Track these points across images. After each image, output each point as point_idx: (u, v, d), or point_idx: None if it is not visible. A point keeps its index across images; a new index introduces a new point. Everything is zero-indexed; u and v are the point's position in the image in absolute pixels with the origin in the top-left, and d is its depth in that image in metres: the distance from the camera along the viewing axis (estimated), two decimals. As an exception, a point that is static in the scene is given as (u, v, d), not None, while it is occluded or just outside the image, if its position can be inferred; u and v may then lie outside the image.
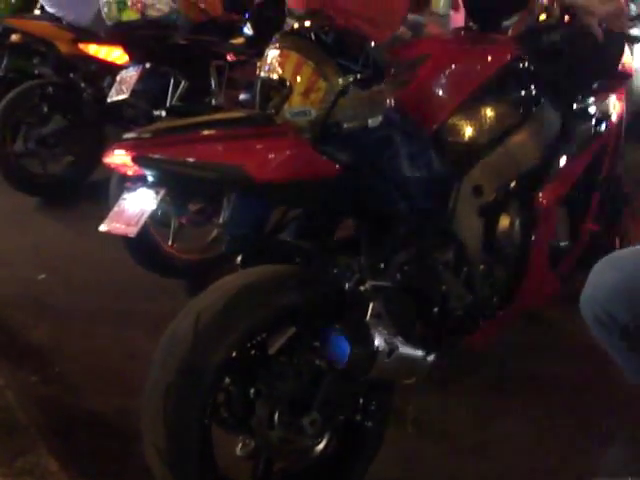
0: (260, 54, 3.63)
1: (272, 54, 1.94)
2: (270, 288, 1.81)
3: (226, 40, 3.98)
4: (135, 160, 1.65)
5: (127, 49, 3.60)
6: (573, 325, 2.87)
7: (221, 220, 3.41)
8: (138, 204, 1.78)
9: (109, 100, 3.60)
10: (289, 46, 1.91)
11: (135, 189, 1.80)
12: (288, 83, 1.88)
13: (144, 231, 3.16)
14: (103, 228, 1.89)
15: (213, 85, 3.63)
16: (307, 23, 2.07)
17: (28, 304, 3.39)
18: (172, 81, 3.58)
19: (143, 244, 3.24)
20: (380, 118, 1.93)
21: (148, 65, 3.46)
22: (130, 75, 3.48)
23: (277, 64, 1.91)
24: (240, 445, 1.96)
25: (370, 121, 1.91)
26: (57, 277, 3.64)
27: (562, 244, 2.49)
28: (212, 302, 1.75)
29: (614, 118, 2.61)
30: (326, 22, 2.21)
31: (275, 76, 1.91)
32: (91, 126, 4.54)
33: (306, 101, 1.86)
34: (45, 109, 4.40)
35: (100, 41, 3.94)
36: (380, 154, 1.93)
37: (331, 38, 1.89)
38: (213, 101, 3.63)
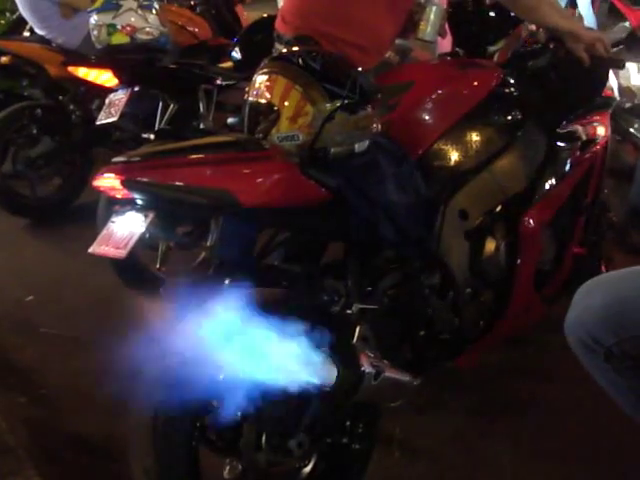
0: (248, 78, 3.68)
1: (260, 79, 1.96)
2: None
3: (215, 64, 4.02)
4: (124, 183, 1.67)
5: (116, 72, 3.61)
6: (557, 347, 2.90)
7: (208, 243, 3.43)
8: (127, 227, 1.79)
9: (98, 123, 3.61)
10: (277, 71, 1.92)
11: (124, 212, 1.81)
12: (276, 108, 1.89)
13: (132, 254, 3.18)
14: (92, 250, 1.90)
15: (202, 109, 3.65)
16: (295, 48, 2.10)
17: (16, 326, 3.39)
18: (160, 104, 3.60)
19: (131, 267, 3.24)
20: (367, 143, 1.96)
21: (137, 88, 3.48)
22: (119, 98, 3.49)
23: (265, 88, 1.93)
24: (227, 468, 1.96)
25: (357, 146, 1.94)
26: (45, 299, 3.63)
27: (547, 267, 2.50)
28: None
29: (599, 142, 2.63)
30: (314, 48, 2.25)
31: (263, 100, 1.93)
32: (79, 148, 4.53)
33: (294, 126, 1.88)
34: (34, 131, 4.38)
35: (89, 64, 3.95)
36: (367, 179, 1.95)
37: (319, 63, 1.91)
38: (201, 125, 3.65)
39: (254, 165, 1.79)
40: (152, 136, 3.52)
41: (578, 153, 2.56)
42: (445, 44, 5.49)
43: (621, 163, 3.96)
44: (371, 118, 1.96)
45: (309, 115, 1.87)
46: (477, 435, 2.46)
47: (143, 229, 1.75)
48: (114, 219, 1.86)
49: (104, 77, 3.86)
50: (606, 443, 2.38)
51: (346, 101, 1.89)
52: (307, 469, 1.99)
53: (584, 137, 2.61)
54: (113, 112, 3.46)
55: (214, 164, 1.74)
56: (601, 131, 2.67)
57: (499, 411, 2.58)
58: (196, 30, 4.47)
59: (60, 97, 4.48)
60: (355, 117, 1.91)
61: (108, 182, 1.71)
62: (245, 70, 3.73)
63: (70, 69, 4.03)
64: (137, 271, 3.27)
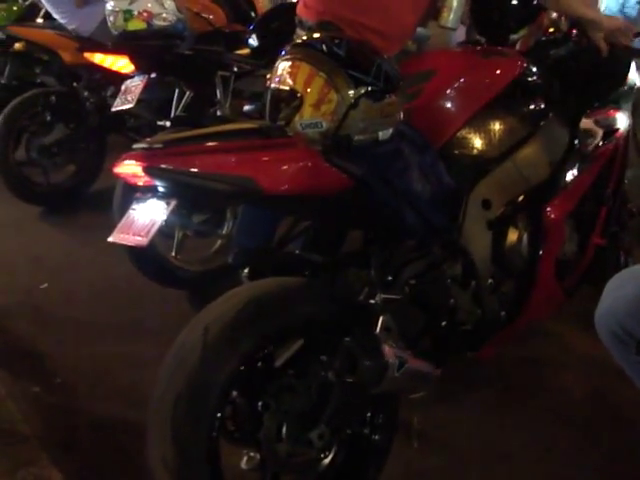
0: (266, 65, 3.68)
1: (283, 65, 1.93)
2: (279, 301, 1.80)
3: (231, 51, 3.98)
4: (146, 171, 1.64)
5: (133, 59, 3.58)
6: (575, 338, 2.90)
7: (224, 231, 3.43)
8: (148, 215, 1.76)
9: (114, 109, 3.59)
10: (301, 57, 1.89)
11: (145, 200, 1.78)
12: (299, 94, 1.87)
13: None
14: (113, 239, 1.87)
15: (218, 96, 3.62)
16: (317, 34, 2.07)
17: (30, 313, 3.38)
18: (177, 91, 3.58)
19: (147, 254, 3.22)
20: (390, 131, 1.93)
21: (153, 75, 3.46)
22: (135, 85, 3.47)
23: (288, 75, 1.90)
24: (245, 459, 1.94)
25: (381, 134, 1.91)
26: (59, 286, 3.62)
27: (569, 258, 2.48)
28: (221, 314, 1.74)
29: (620, 132, 2.61)
30: (337, 34, 2.22)
31: (286, 87, 1.90)
32: (93, 135, 4.52)
33: (317, 113, 1.85)
34: (48, 118, 4.38)
35: (106, 50, 3.93)
36: (391, 167, 1.93)
37: (343, 50, 1.88)
38: (218, 112, 3.62)
39: (277, 152, 1.76)
40: (168, 123, 3.51)
41: (600, 143, 2.54)
42: (458, 33, 5.46)
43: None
44: (395, 106, 1.93)
45: (333, 102, 1.84)
46: (496, 427, 2.45)
47: (165, 217, 1.72)
48: (135, 207, 1.83)
49: (120, 63, 3.85)
50: (627, 433, 2.37)
51: (370, 88, 1.86)
52: (327, 460, 1.98)
53: (606, 127, 2.59)
54: (129, 99, 3.44)
55: (237, 151, 1.71)
56: (622, 122, 2.65)
57: (517, 402, 2.57)
58: (211, 17, 4.43)
59: (74, 84, 4.46)
60: (379, 104, 1.88)
61: (129, 169, 1.68)
62: (262, 57, 3.72)
63: (86, 55, 4.02)
64: (153, 259, 3.25)
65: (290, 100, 1.89)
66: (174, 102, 3.58)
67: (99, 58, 4.00)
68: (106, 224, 4.03)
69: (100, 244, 4.00)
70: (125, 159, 1.72)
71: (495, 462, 2.29)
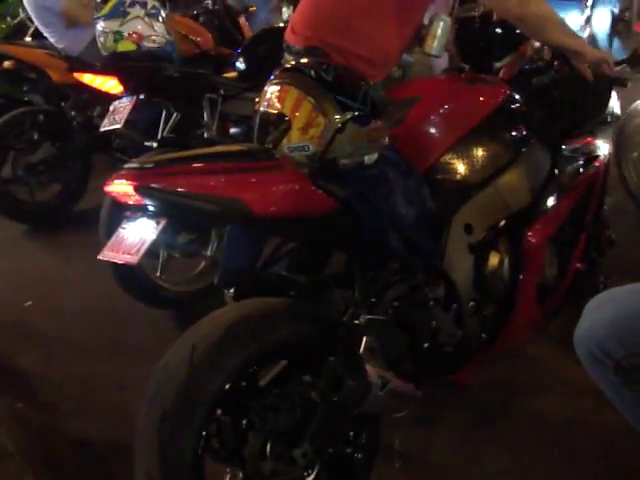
0: (253, 89, 3.72)
1: (272, 89, 1.97)
2: (265, 321, 1.83)
3: (218, 74, 4.03)
4: (137, 190, 1.66)
5: (122, 79, 3.62)
6: (553, 361, 2.94)
7: (209, 253, 3.46)
8: (138, 233, 1.80)
9: (102, 129, 3.61)
10: (289, 82, 1.94)
11: (135, 219, 1.82)
12: (287, 118, 1.91)
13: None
14: (102, 256, 1.89)
15: (206, 118, 3.66)
16: (304, 60, 2.11)
17: (14, 331, 3.41)
18: (164, 113, 3.61)
19: (132, 274, 3.25)
20: (376, 155, 1.97)
21: (142, 96, 3.49)
22: (124, 105, 3.50)
23: (277, 99, 1.94)
24: (228, 477, 1.97)
25: (367, 158, 1.95)
26: (44, 304, 3.65)
27: (549, 282, 2.52)
28: (208, 333, 1.76)
29: (601, 159, 2.66)
30: (324, 59, 2.26)
31: (274, 111, 1.94)
32: (79, 155, 4.56)
33: (305, 136, 1.89)
34: (35, 136, 4.42)
35: (95, 70, 3.97)
36: (376, 191, 1.96)
37: (330, 75, 1.92)
38: (205, 134, 3.66)
39: (265, 175, 1.79)
40: (155, 144, 3.54)
41: (581, 170, 2.59)
42: (441, 60, 5.54)
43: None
44: (381, 131, 1.98)
45: (320, 126, 1.88)
46: (476, 447, 2.47)
47: (155, 236, 1.75)
48: (124, 225, 1.86)
49: (109, 84, 3.89)
50: (607, 455, 2.39)
51: (357, 113, 1.91)
52: (310, 478, 1.99)
53: (586, 154, 2.64)
54: (117, 119, 3.47)
55: (227, 173, 1.74)
56: (603, 149, 2.71)
57: (497, 424, 2.59)
58: (198, 40, 4.49)
59: (62, 103, 4.50)
60: (366, 129, 1.92)
61: (120, 188, 1.71)
62: (249, 80, 3.76)
63: (76, 75, 4.05)
64: (138, 279, 3.28)
65: (278, 123, 1.93)
66: (161, 123, 3.61)
67: (89, 78, 4.03)
68: (90, 243, 4.06)
69: (84, 263, 4.05)
70: (116, 178, 1.75)
71: (477, 481, 2.32)
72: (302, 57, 2.24)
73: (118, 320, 3.46)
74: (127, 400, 2.79)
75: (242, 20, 5.04)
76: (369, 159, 1.96)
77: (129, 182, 1.69)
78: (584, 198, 2.61)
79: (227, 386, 1.76)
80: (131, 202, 1.75)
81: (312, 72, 1.93)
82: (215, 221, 1.89)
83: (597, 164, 2.67)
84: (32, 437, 2.63)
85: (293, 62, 2.05)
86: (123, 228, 1.86)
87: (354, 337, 1.93)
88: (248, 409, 1.86)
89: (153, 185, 1.68)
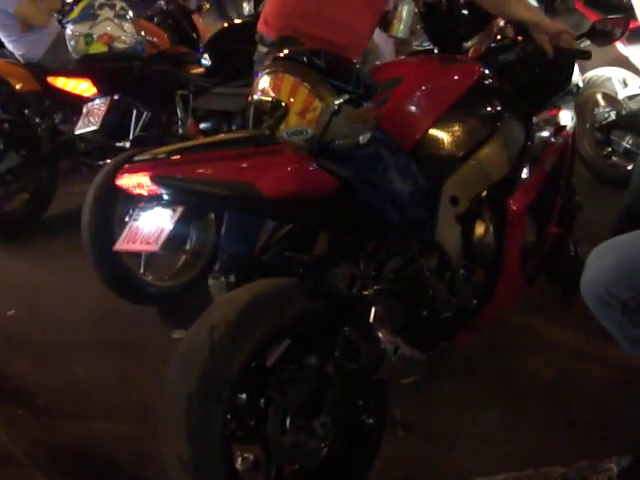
0: (220, 83, 3.78)
1: (266, 78, 2.05)
2: (279, 299, 1.90)
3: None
4: (153, 179, 1.73)
5: (96, 81, 3.65)
6: (538, 327, 3.08)
7: (188, 247, 3.53)
8: (154, 223, 1.85)
9: (77, 132, 3.64)
10: (284, 70, 2.01)
11: (147, 209, 1.87)
12: (284, 104, 1.99)
13: (116, 259, 3.24)
14: (118, 248, 1.94)
15: (179, 114, 3.71)
16: (286, 50, 2.19)
17: (2, 340, 3.39)
18: (134, 112, 3.65)
19: (115, 271, 3.30)
20: (369, 135, 2.07)
21: (116, 96, 3.53)
22: (98, 107, 3.54)
23: (272, 87, 2.01)
24: (240, 459, 2.04)
25: (361, 138, 2.05)
26: (27, 312, 3.65)
27: (530, 247, 2.64)
28: (224, 315, 1.81)
29: (568, 129, 2.80)
30: (301, 48, 2.35)
31: (270, 99, 2.02)
32: (46, 162, 4.56)
33: (302, 121, 1.98)
34: (0, 146, 4.40)
35: (68, 74, 3.99)
36: (372, 168, 2.06)
37: (323, 61, 2.01)
38: (180, 130, 3.71)
39: (272, 158, 1.88)
40: (127, 144, 3.58)
41: (552, 140, 2.73)
42: (387, 48, 5.66)
43: (614, 171, 4.22)
44: (372, 111, 2.07)
45: (317, 110, 1.96)
46: (474, 410, 2.57)
47: (172, 224, 1.80)
48: (136, 217, 1.91)
49: (83, 86, 3.90)
50: (596, 410, 2.53)
51: (351, 96, 2.00)
52: (325, 450, 2.06)
53: (555, 125, 2.78)
54: (93, 121, 3.50)
55: (236, 159, 1.82)
56: (569, 119, 2.85)
57: (491, 387, 2.71)
58: (155, 40, 4.51)
59: (25, 111, 4.49)
60: (360, 110, 2.02)
61: (135, 179, 1.77)
62: (217, 76, 3.83)
63: (49, 79, 4.06)
64: (121, 276, 3.32)
65: (274, 110, 2.01)
66: (132, 123, 3.65)
67: (62, 82, 4.04)
68: (66, 249, 4.08)
69: (62, 269, 4.07)
70: (128, 171, 1.81)
71: (478, 443, 2.41)
72: (276, 47, 2.31)
73: (105, 321, 3.48)
74: (126, 396, 2.85)
75: (196, 18, 5.07)
76: (364, 139, 2.05)
77: (144, 173, 1.75)
78: (556, 166, 2.74)
79: (250, 364, 1.82)
80: (145, 193, 1.80)
81: (305, 59, 2.01)
82: (227, 205, 1.96)
83: (564, 134, 2.81)
84: (36, 441, 2.63)
85: (286, 52, 2.11)
86: (135, 220, 1.90)
87: (363, 308, 2.02)
88: (267, 386, 1.92)
89: (168, 174, 1.75)
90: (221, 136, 2.04)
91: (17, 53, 4.57)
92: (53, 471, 2.48)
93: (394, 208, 2.09)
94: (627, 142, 4.10)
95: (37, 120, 4.46)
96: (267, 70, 2.07)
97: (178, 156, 1.82)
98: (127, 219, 2.04)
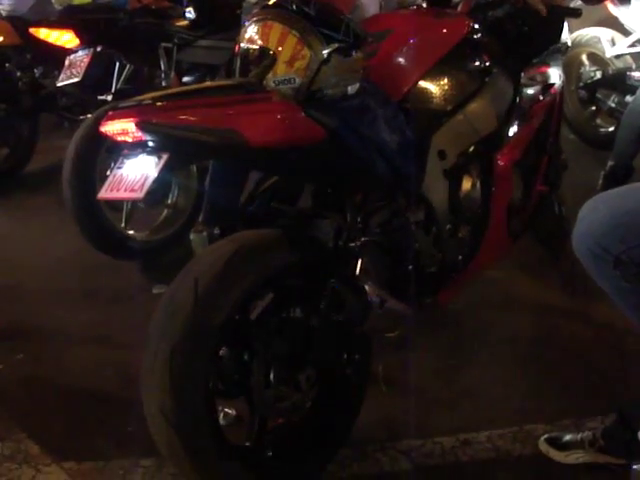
0: (204, 36, 3.73)
1: (253, 26, 2.00)
2: (263, 250, 1.87)
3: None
4: (139, 125, 1.69)
5: (78, 32, 3.58)
6: (521, 285, 3.09)
7: (169, 201, 3.50)
8: (139, 170, 1.80)
9: (59, 84, 3.58)
10: (272, 17, 1.98)
11: (132, 156, 1.83)
12: (272, 52, 1.95)
13: (98, 213, 3.22)
14: (102, 196, 1.89)
15: (162, 67, 3.66)
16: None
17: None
18: (117, 65, 3.60)
19: (97, 225, 3.27)
20: (358, 85, 2.04)
21: (99, 48, 3.47)
22: (80, 58, 3.48)
23: (260, 35, 1.98)
24: (222, 415, 2.02)
25: (350, 88, 2.02)
26: (7, 264, 3.62)
27: (516, 204, 2.64)
28: (208, 267, 1.77)
29: (556, 86, 2.78)
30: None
31: (257, 47, 1.98)
32: (26, 116, 4.49)
33: (290, 69, 1.95)
34: (-20, 101, 4.34)
35: (50, 25, 3.91)
36: (360, 119, 2.03)
37: (312, 9, 1.97)
38: (163, 82, 3.67)
39: (259, 106, 1.85)
40: (109, 97, 3.53)
41: (541, 97, 2.71)
42: (372, 6, 5.60)
43: (598, 132, 4.22)
44: (361, 61, 2.04)
45: (306, 58, 1.93)
46: (457, 367, 2.59)
47: (156, 171, 1.77)
48: (120, 165, 1.87)
49: (65, 38, 3.82)
50: (579, 364, 2.55)
51: (338, 45, 1.96)
52: (309, 404, 2.06)
53: (543, 82, 2.76)
54: (75, 72, 3.44)
55: (222, 106, 1.79)
56: (557, 76, 2.83)
57: (474, 344, 2.72)
58: (139, -7, 4.44)
59: (6, 65, 4.41)
60: (349, 60, 1.99)
61: (119, 125, 1.73)
62: (201, 29, 3.77)
63: (32, 30, 3.98)
64: (103, 231, 3.30)
65: (262, 58, 1.97)
66: (115, 76, 3.59)
67: (44, 33, 3.96)
68: (46, 203, 4.04)
69: (42, 223, 4.03)
70: (112, 117, 1.77)
71: (462, 398, 2.42)
72: None
73: (87, 272, 3.47)
74: (106, 347, 2.83)
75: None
76: (352, 89, 2.03)
77: (129, 119, 1.71)
78: (544, 124, 2.73)
79: (234, 317, 1.78)
80: (129, 139, 1.76)
81: (294, 7, 1.98)
82: (213, 153, 1.92)
83: (553, 91, 2.79)
84: (16, 395, 2.61)
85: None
86: (119, 167, 1.86)
87: (349, 259, 2.01)
88: (251, 339, 1.89)
89: (154, 120, 1.71)
90: (208, 83, 2.00)
91: (5, 10, 4.47)
92: (33, 427, 2.41)
93: (381, 159, 2.06)
94: (612, 101, 4.10)
95: (18, 74, 4.38)
96: (255, 18, 2.03)
97: (164, 102, 1.78)
98: (109, 171, 1.99)
